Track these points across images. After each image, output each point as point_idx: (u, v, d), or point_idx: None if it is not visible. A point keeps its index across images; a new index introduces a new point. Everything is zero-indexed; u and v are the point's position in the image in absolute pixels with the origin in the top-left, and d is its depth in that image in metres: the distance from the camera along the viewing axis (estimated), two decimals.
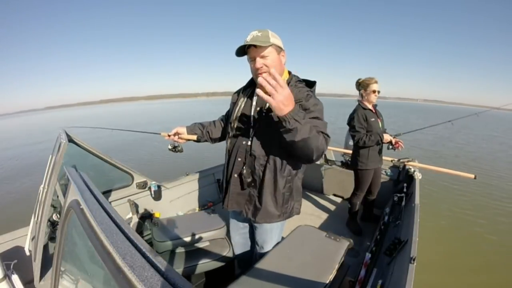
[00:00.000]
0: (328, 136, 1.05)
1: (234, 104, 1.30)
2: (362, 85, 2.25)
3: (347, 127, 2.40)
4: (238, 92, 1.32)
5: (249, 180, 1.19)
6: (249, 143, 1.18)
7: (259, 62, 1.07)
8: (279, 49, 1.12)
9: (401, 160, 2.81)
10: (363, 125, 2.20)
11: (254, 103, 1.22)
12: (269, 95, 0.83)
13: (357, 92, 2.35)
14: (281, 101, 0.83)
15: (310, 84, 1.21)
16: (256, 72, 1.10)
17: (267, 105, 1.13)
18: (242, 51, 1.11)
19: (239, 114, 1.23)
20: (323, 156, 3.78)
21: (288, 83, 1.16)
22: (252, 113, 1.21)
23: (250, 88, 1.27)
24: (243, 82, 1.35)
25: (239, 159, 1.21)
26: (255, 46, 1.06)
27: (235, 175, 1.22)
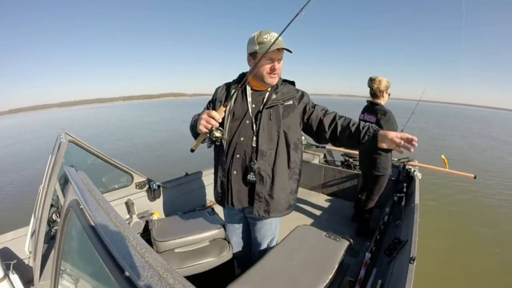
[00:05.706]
0: None
1: (222, 101, 1.24)
2: (387, 86, 2.11)
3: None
4: (225, 88, 1.28)
5: (256, 176, 1.19)
6: (253, 139, 1.18)
7: (279, 65, 1.17)
8: None
9: (401, 160, 2.81)
10: None
11: (249, 99, 1.21)
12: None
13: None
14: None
15: (292, 83, 1.32)
16: (272, 72, 1.15)
17: (266, 100, 1.19)
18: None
19: (233, 111, 1.20)
20: (324, 156, 3.78)
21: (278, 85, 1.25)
22: (249, 110, 1.20)
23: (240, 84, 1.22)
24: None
25: (238, 156, 1.21)
26: (283, 49, 1.12)
27: (234, 172, 1.22)
